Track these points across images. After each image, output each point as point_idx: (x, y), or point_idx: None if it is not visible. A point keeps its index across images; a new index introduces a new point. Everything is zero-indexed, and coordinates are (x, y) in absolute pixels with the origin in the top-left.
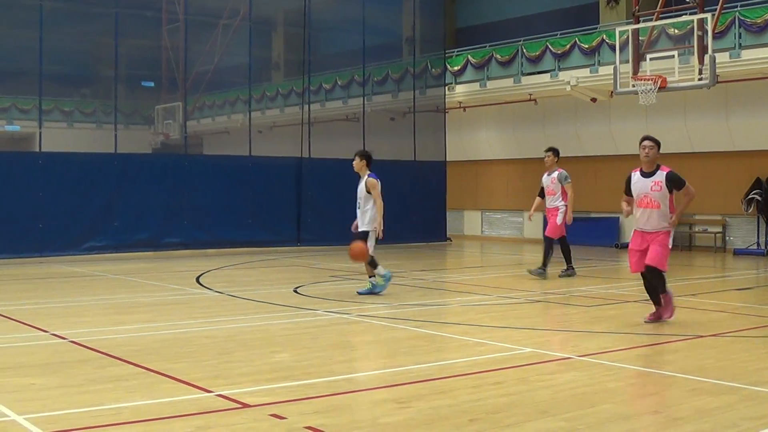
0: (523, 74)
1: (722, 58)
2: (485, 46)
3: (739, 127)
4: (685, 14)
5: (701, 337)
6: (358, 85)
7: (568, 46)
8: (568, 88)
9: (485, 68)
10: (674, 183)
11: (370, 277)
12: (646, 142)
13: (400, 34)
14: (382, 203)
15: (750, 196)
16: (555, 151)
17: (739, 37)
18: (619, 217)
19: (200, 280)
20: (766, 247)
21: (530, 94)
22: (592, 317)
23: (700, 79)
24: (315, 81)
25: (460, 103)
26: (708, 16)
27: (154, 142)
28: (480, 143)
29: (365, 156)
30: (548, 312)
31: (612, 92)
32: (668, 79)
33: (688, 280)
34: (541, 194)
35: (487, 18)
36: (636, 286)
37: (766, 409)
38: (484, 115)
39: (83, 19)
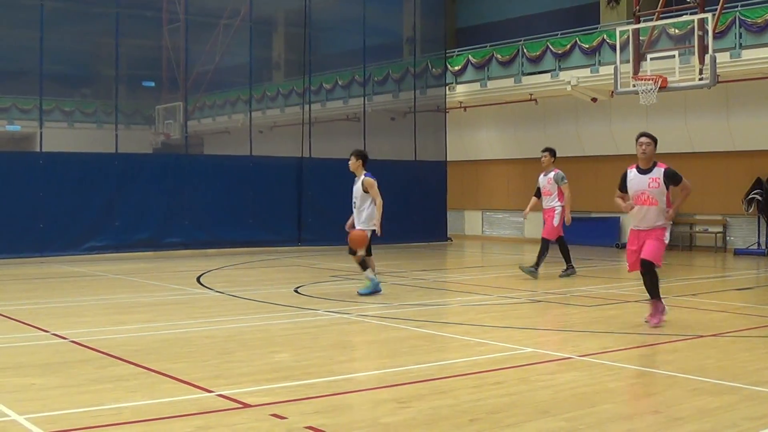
0: (524, 74)
1: (723, 58)
2: (486, 46)
3: (739, 127)
4: (686, 14)
5: (702, 337)
6: (359, 85)
7: (568, 46)
8: (569, 88)
9: (486, 68)
10: (672, 179)
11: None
12: (643, 139)
13: (400, 34)
14: (381, 201)
15: (750, 196)
16: (552, 152)
17: (740, 37)
18: (619, 217)
19: (201, 280)
20: (766, 247)
21: (531, 94)
22: (593, 317)
23: (700, 79)
24: (315, 81)
25: (461, 102)
26: (708, 16)
27: (155, 142)
28: (480, 143)
29: (361, 156)
30: (549, 312)
31: (612, 92)
32: (669, 79)
33: (689, 280)
34: (538, 194)
35: (487, 18)
36: (636, 286)
37: (766, 409)
38: (484, 115)
39: (84, 19)
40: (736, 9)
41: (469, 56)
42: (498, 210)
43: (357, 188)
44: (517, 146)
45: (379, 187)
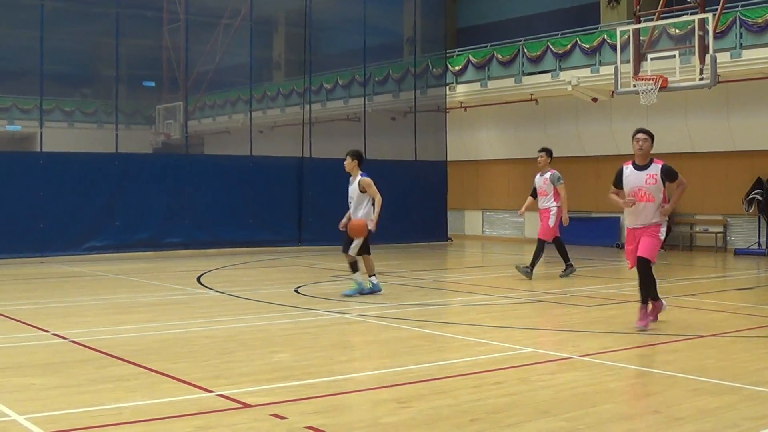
0: (524, 74)
1: (723, 58)
2: (486, 46)
3: (740, 127)
4: (686, 14)
5: (702, 337)
6: (359, 84)
7: (569, 46)
8: (569, 87)
9: (486, 68)
10: (669, 175)
11: (369, 276)
12: (639, 135)
13: (401, 34)
14: (381, 199)
15: (751, 196)
16: (548, 152)
17: (740, 37)
18: (619, 217)
19: (201, 279)
20: (766, 247)
21: (531, 94)
22: (593, 317)
23: (701, 79)
24: (316, 81)
25: (461, 102)
26: (709, 16)
27: (155, 141)
28: (481, 143)
29: (357, 156)
30: (549, 312)
31: (613, 92)
32: (669, 79)
33: (689, 279)
34: (534, 194)
35: (488, 18)
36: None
37: (766, 409)
38: (485, 115)
39: (84, 19)
40: (736, 9)
41: (470, 56)
42: (498, 210)
43: (354, 188)
44: (518, 146)
45: (376, 185)
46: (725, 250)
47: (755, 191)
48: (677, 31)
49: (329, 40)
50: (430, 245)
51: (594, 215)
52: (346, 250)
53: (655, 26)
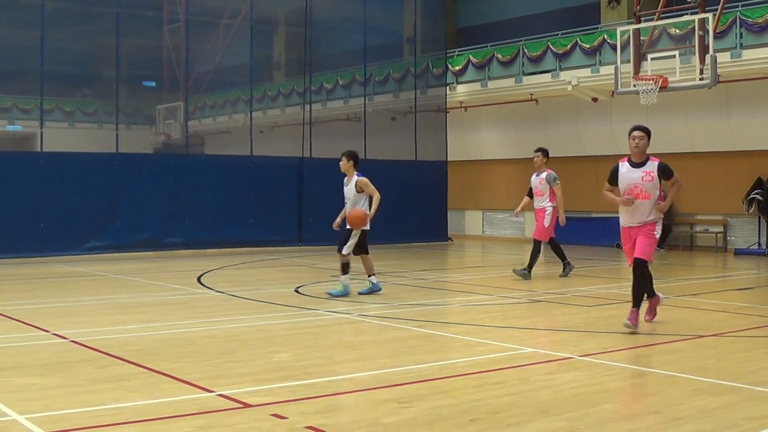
0: (524, 74)
1: (723, 58)
2: (486, 46)
3: (740, 127)
4: (686, 14)
5: (702, 336)
6: (360, 84)
7: (569, 46)
8: (570, 87)
9: (486, 68)
10: (665, 173)
11: (369, 276)
12: (636, 133)
13: (401, 34)
14: (380, 196)
15: (751, 196)
16: (544, 152)
17: (740, 36)
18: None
19: (201, 279)
20: (767, 247)
21: (531, 94)
22: (593, 317)
23: (701, 79)
24: (316, 81)
25: (462, 102)
26: (709, 15)
27: (156, 141)
28: (481, 143)
29: (352, 156)
30: (549, 312)
31: (613, 92)
32: (669, 79)
33: (689, 280)
34: (530, 194)
35: (488, 18)
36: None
37: (766, 409)
38: (485, 115)
39: (84, 19)
40: (736, 9)
41: (470, 56)
42: (498, 210)
43: (350, 189)
44: (518, 146)
45: (373, 184)
46: (725, 250)
47: (755, 191)
48: (677, 31)
49: (329, 40)
50: (431, 245)
51: (594, 215)
52: (341, 250)
53: (655, 26)
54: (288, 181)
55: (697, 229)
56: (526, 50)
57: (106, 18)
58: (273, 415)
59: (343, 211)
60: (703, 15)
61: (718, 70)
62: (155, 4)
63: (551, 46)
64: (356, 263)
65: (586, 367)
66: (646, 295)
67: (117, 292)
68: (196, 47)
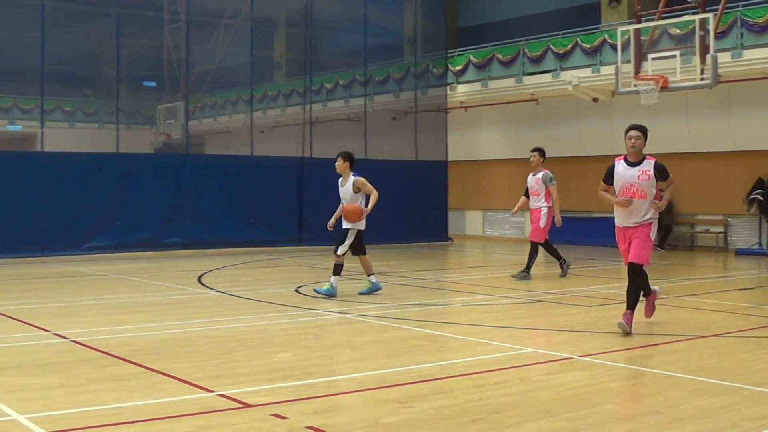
0: (525, 74)
1: (724, 58)
2: (487, 46)
3: (740, 127)
4: (687, 14)
5: (703, 337)
6: (360, 85)
7: (569, 46)
8: (570, 87)
9: (487, 68)
10: (662, 173)
11: (368, 276)
12: (632, 132)
13: (401, 34)
14: (377, 194)
15: (752, 196)
16: (541, 152)
17: (741, 37)
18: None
19: (202, 279)
20: (767, 248)
21: (532, 94)
22: (593, 317)
23: (701, 79)
24: (317, 81)
25: (462, 102)
26: (710, 15)
27: (156, 141)
28: (481, 143)
29: (348, 157)
30: (549, 312)
31: (614, 92)
32: (670, 79)
33: (690, 280)
34: (527, 194)
35: (488, 18)
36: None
37: (767, 410)
38: (485, 115)
39: (85, 19)
40: (737, 9)
41: (470, 56)
42: (499, 210)
43: (346, 189)
44: (518, 146)
45: (370, 182)
46: (726, 250)
47: (756, 191)
48: (678, 31)
49: (330, 40)
50: (431, 245)
51: (594, 215)
52: (335, 251)
53: (655, 26)
54: (288, 181)
55: (698, 229)
56: (526, 50)
57: (106, 18)
58: (273, 415)
59: (337, 212)
60: (703, 15)
61: (719, 70)
62: (155, 4)
63: (552, 46)
64: (356, 263)
65: (586, 367)
66: (642, 293)
67: (117, 292)
68: (196, 47)
